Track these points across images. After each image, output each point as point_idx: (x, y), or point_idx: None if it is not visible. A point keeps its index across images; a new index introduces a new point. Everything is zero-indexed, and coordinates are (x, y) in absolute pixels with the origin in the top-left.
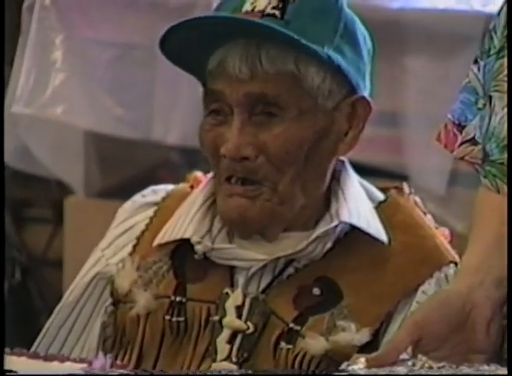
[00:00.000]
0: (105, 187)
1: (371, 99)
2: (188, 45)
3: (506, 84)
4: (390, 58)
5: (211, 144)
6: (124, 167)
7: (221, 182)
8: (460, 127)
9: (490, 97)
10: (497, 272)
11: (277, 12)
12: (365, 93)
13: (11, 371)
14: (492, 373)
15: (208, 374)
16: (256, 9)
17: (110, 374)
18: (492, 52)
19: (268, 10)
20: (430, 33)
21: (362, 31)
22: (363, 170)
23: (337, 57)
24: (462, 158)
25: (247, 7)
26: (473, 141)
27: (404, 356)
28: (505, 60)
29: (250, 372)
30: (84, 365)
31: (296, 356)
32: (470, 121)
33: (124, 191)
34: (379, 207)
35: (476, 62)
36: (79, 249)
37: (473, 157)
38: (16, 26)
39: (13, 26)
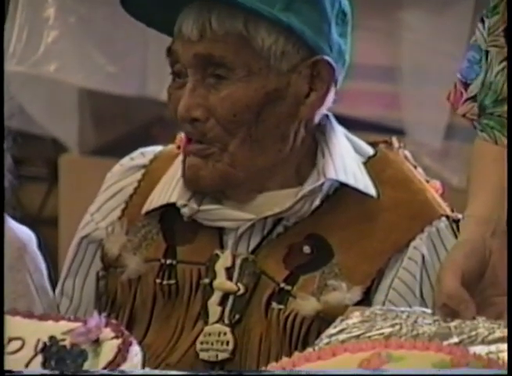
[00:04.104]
0: (99, 145)
1: (336, 59)
2: (153, 6)
3: (502, 39)
4: (385, 12)
5: (173, 108)
6: (119, 124)
7: (184, 143)
8: (466, 85)
9: (487, 52)
10: (504, 223)
11: None
12: (332, 55)
13: (11, 371)
14: (491, 372)
15: (212, 373)
16: None
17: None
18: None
19: None
20: None
21: None
22: (358, 124)
23: (289, 17)
24: (464, 115)
25: None
26: (475, 98)
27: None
28: (500, 16)
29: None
30: (79, 324)
31: (287, 316)
32: (475, 79)
33: (119, 148)
34: (368, 162)
35: (482, 20)
36: (74, 207)
37: (473, 113)
38: None
39: None
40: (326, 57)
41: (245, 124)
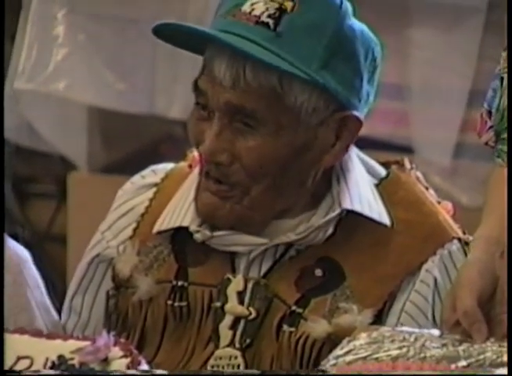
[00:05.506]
0: (108, 162)
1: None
2: (183, 36)
3: None
4: (395, 30)
5: (194, 138)
6: (128, 141)
7: (202, 174)
8: (491, 114)
9: (502, 78)
10: None
11: (271, 22)
12: (361, 106)
13: (11, 371)
14: (491, 373)
15: (210, 374)
16: (253, 13)
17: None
18: None
19: (264, 18)
20: (435, 4)
21: (365, 44)
22: (367, 142)
23: (324, 76)
24: (486, 143)
25: (246, 8)
26: None
27: (435, 331)
28: None
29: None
30: (88, 342)
31: (298, 339)
32: None
33: (128, 166)
34: (380, 184)
35: (505, 49)
36: (82, 224)
37: (493, 141)
38: (18, 0)
39: (15, 0)
40: (355, 112)
41: (270, 174)
